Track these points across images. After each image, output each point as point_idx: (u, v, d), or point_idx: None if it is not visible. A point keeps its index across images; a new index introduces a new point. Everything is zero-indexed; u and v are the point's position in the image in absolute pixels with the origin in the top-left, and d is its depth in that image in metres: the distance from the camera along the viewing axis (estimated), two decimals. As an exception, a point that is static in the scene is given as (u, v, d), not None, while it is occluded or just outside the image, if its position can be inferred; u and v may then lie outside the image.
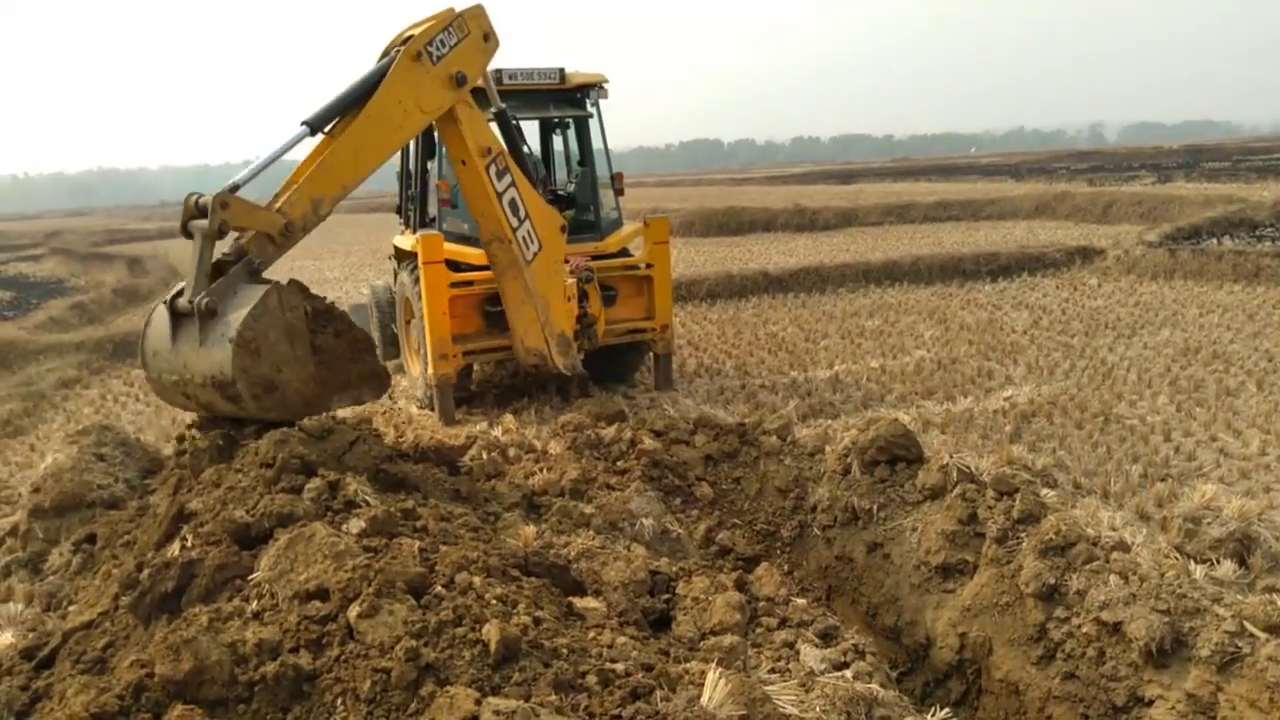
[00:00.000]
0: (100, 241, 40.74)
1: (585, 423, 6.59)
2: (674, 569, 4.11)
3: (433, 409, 8.52)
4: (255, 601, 3.12)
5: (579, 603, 3.52)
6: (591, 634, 3.18)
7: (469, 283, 8.24)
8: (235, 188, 5.76)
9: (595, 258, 8.59)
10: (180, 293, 5.29)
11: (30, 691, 3.34)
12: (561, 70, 8.79)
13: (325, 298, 5.86)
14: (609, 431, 6.29)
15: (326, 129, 6.36)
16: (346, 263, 25.05)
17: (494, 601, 3.03)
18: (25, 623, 4.29)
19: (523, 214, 7.50)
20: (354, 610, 2.86)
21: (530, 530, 4.36)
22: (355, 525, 3.61)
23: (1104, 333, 11.03)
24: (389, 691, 2.61)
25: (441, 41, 6.80)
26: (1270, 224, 18.59)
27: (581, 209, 9.44)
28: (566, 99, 9.14)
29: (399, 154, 9.66)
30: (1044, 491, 4.57)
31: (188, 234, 5.60)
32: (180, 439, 5.78)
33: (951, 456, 4.87)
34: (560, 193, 9.70)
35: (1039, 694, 3.77)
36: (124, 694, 2.64)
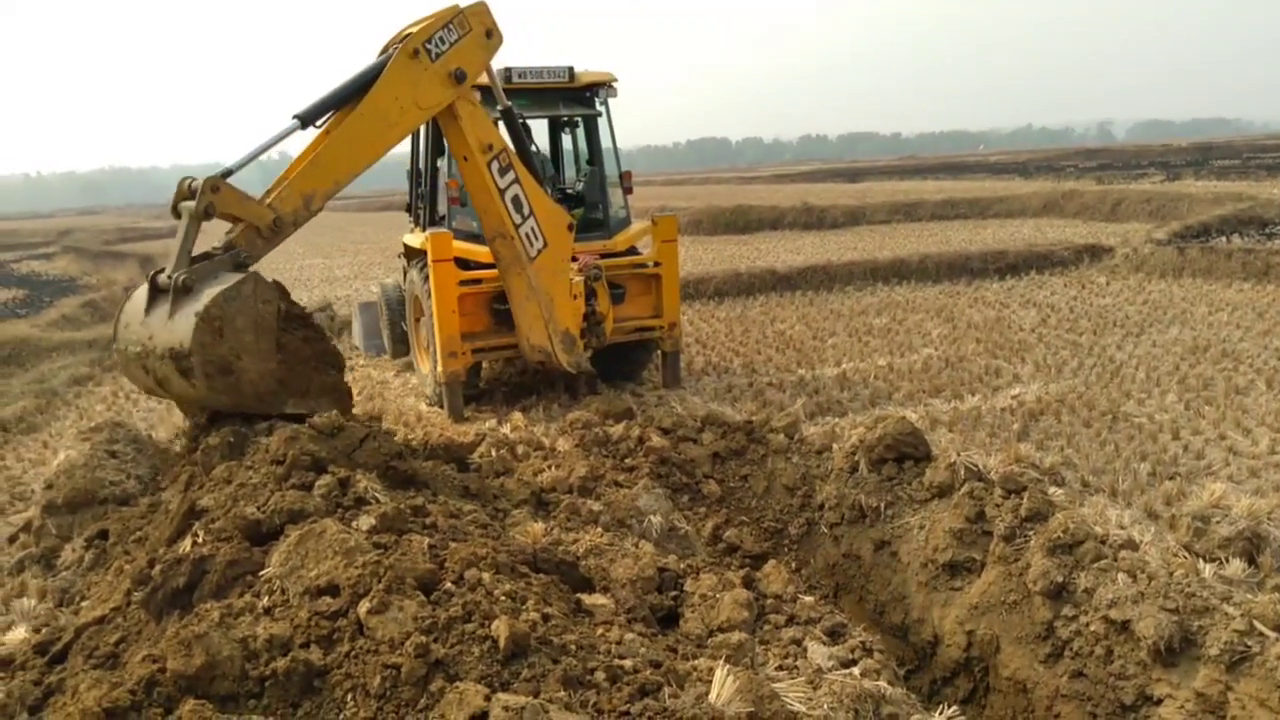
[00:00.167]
0: (112, 240, 40.94)
1: (593, 420, 6.60)
2: (682, 566, 4.12)
3: (442, 406, 8.55)
4: (266, 597, 3.14)
5: (587, 599, 3.53)
6: (600, 630, 3.19)
7: (478, 280, 8.27)
8: (228, 173, 5.83)
9: (604, 256, 8.60)
10: (163, 270, 5.40)
11: (43, 686, 3.38)
12: (571, 69, 8.80)
13: (306, 308, 5.99)
14: (617, 429, 6.30)
15: (318, 123, 6.38)
16: (356, 261, 25.12)
17: (503, 598, 3.04)
18: (38, 618, 4.33)
19: (527, 211, 7.51)
20: (364, 606, 2.87)
21: (539, 527, 4.38)
22: (365, 522, 3.63)
23: (1112, 331, 11.00)
24: (399, 687, 2.63)
25: (441, 38, 6.81)
26: (1280, 222, 18.51)
27: (590, 207, 9.46)
28: (576, 98, 9.16)
29: (409, 152, 9.70)
30: (1052, 490, 4.56)
31: (177, 214, 5.69)
32: (191, 436, 5.84)
33: (959, 454, 4.86)
34: (569, 191, 9.72)
35: (1047, 692, 3.77)
36: (136, 689, 2.66)
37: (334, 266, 23.82)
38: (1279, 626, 3.21)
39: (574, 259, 8.12)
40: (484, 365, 9.42)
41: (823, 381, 9.29)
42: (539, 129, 9.96)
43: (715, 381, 9.61)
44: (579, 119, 9.61)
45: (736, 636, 3.46)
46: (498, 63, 8.13)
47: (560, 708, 2.48)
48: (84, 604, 4.39)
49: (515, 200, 7.45)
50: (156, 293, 5.41)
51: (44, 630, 4.01)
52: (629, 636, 3.14)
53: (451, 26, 6.87)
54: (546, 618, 3.01)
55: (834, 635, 3.70)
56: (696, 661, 3.03)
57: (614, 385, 9.39)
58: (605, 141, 9.37)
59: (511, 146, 7.64)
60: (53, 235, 46.98)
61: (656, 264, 8.92)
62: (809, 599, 4.13)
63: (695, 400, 8.61)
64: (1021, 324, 11.67)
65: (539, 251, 7.61)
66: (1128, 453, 6.73)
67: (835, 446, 5.65)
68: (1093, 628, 3.64)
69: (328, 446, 4.47)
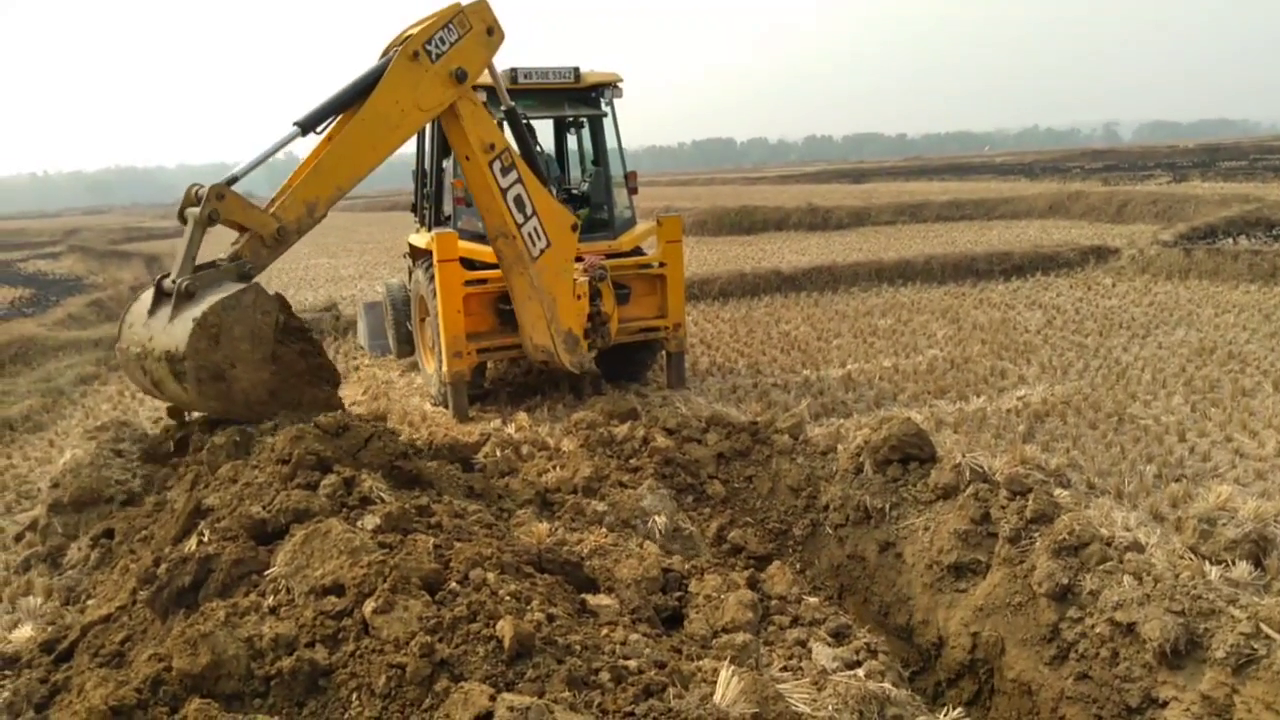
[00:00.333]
0: (118, 239, 41.05)
1: (598, 420, 6.61)
2: (686, 567, 4.12)
3: (447, 406, 8.56)
4: (271, 596, 3.15)
5: (592, 600, 3.53)
6: (604, 631, 3.20)
7: (483, 281, 8.27)
8: (233, 180, 5.90)
9: (609, 256, 8.60)
10: (169, 274, 5.54)
11: (49, 684, 3.39)
12: (576, 69, 8.81)
13: (307, 325, 6.10)
14: (622, 429, 6.30)
15: (319, 129, 6.40)
16: (361, 260, 25.15)
17: (508, 598, 3.05)
18: (44, 616, 4.35)
19: (529, 210, 7.51)
20: (369, 606, 2.88)
21: (543, 527, 4.39)
22: (370, 521, 3.63)
23: (1118, 332, 10.97)
24: (404, 687, 2.63)
25: (441, 39, 6.80)
26: (1287, 223, 18.45)
27: (595, 208, 9.46)
28: (581, 98, 9.16)
29: (415, 152, 9.72)
30: (1057, 491, 4.56)
31: (183, 220, 5.78)
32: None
33: (964, 456, 4.86)
34: (574, 191, 9.72)
35: (1052, 694, 3.76)
36: (142, 687, 2.67)
37: (339, 266, 23.85)
38: (1285, 629, 3.20)
39: (579, 259, 8.12)
40: (489, 365, 9.42)
41: (827, 382, 9.29)
42: (544, 129, 9.96)
43: (720, 382, 9.61)
44: (584, 119, 9.61)
45: (741, 637, 3.46)
46: (503, 64, 8.13)
47: (565, 708, 2.48)
48: (90, 602, 4.41)
49: (517, 200, 7.45)
50: (161, 296, 5.51)
51: (50, 628, 4.03)
52: (633, 637, 3.14)
53: (452, 26, 6.86)
54: (551, 618, 3.01)
55: (838, 636, 3.70)
56: (701, 662, 3.03)
57: (619, 386, 9.38)
58: (610, 142, 9.37)
59: (515, 146, 7.64)
60: (59, 234, 47.11)
61: (661, 264, 8.92)
62: (813, 600, 4.13)
63: (700, 401, 8.60)
64: (1027, 325, 11.65)
65: (542, 251, 7.61)
66: (1133, 455, 6.71)
67: (840, 447, 5.65)
68: (1098, 630, 3.64)
69: (333, 446, 4.49)
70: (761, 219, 27.50)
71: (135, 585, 3.67)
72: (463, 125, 7.17)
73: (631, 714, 2.58)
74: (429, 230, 9.19)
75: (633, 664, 2.87)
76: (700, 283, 15.18)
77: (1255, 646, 3.20)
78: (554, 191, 8.21)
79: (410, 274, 9.87)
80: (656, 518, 4.81)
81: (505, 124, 7.91)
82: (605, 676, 2.74)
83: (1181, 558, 3.82)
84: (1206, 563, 3.72)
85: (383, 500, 3.92)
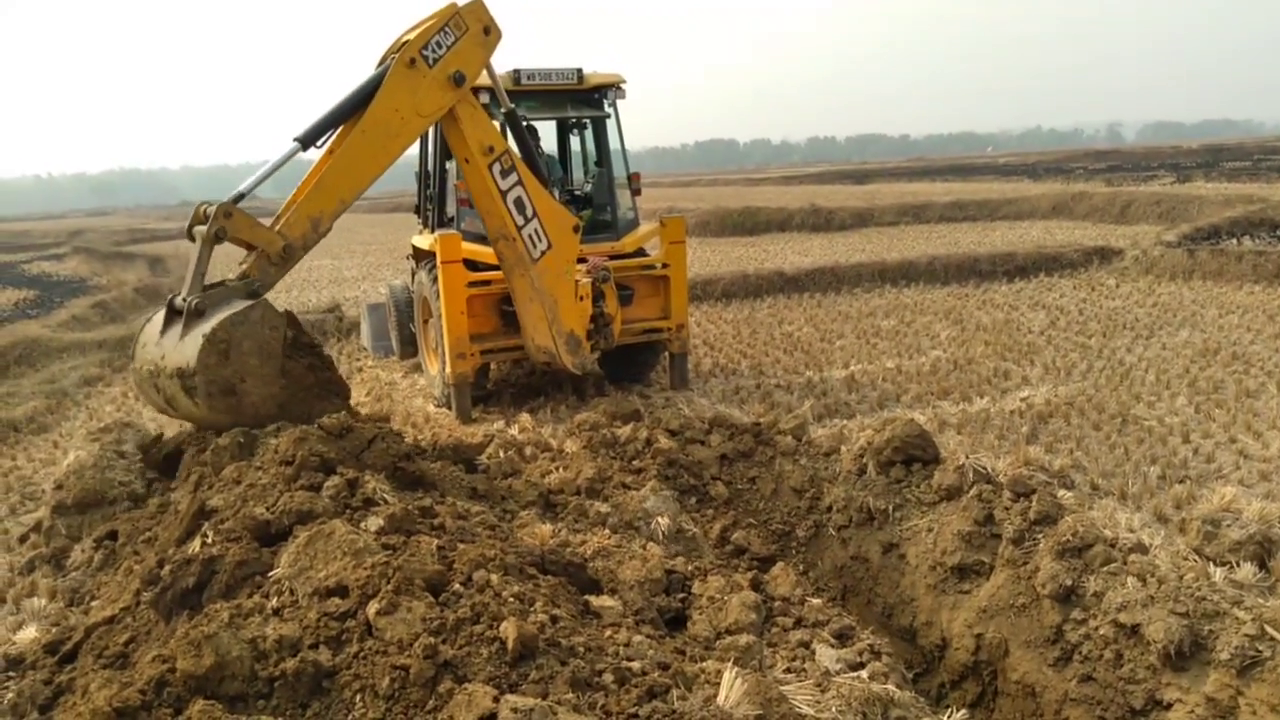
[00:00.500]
0: (122, 241, 41.12)
1: (601, 422, 6.60)
2: (689, 568, 4.12)
3: (450, 408, 8.57)
4: (275, 598, 3.15)
5: (595, 601, 3.53)
6: (608, 632, 3.20)
7: (486, 282, 8.28)
8: (240, 197, 5.96)
9: (612, 257, 8.61)
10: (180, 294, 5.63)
11: (53, 685, 3.40)
12: (579, 70, 8.81)
13: (316, 341, 6.21)
14: (625, 431, 6.30)
15: (319, 143, 6.43)
16: (364, 262, 25.19)
17: (511, 599, 3.05)
18: (49, 617, 4.35)
19: (530, 212, 7.51)
20: (373, 607, 2.88)
21: (547, 529, 4.39)
22: (374, 523, 3.64)
23: (1122, 333, 10.96)
24: (407, 688, 2.63)
25: (438, 43, 6.80)
26: (1292, 224, 18.41)
27: (598, 209, 9.47)
28: (584, 99, 9.17)
29: (418, 154, 9.73)
30: (1061, 493, 4.55)
31: (191, 238, 5.86)
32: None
33: (968, 457, 4.85)
34: (577, 193, 9.73)
35: (1055, 696, 3.75)
36: (146, 689, 2.67)
37: (342, 268, 23.89)
38: (1290, 631, 3.19)
39: (582, 260, 8.13)
40: (492, 367, 9.43)
41: (831, 383, 9.28)
42: (547, 131, 9.97)
43: (723, 383, 9.61)
44: (587, 120, 9.62)
45: (744, 639, 3.46)
46: (505, 66, 8.14)
47: (568, 709, 2.49)
48: (94, 604, 4.41)
49: (518, 202, 7.45)
50: (172, 315, 5.58)
51: (54, 630, 4.04)
52: (637, 638, 3.14)
53: (448, 29, 6.85)
54: (554, 619, 3.01)
55: (842, 638, 3.70)
56: (704, 664, 3.03)
57: (621, 387, 9.39)
58: (614, 143, 9.38)
59: (515, 148, 7.64)
60: (63, 236, 47.17)
61: (664, 265, 8.92)
62: (817, 601, 4.12)
63: (703, 402, 8.60)
64: (1030, 326, 11.64)
65: (542, 253, 7.61)
66: (1137, 456, 6.71)
67: (843, 449, 5.64)
68: (1102, 631, 3.63)
69: (336, 447, 4.49)
70: (764, 220, 27.50)
71: (139, 586, 3.67)
72: (462, 128, 7.17)
73: (635, 715, 2.58)
74: (432, 232, 9.20)
75: (636, 665, 2.87)
76: (703, 284, 15.18)
77: (1260, 648, 3.19)
78: (556, 193, 8.21)
79: (413, 275, 9.89)
80: (659, 519, 4.81)
81: (506, 126, 7.92)
82: (609, 678, 2.74)
83: (1185, 559, 3.81)
84: (1211, 564, 3.71)
85: (386, 502, 3.92)
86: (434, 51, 6.77)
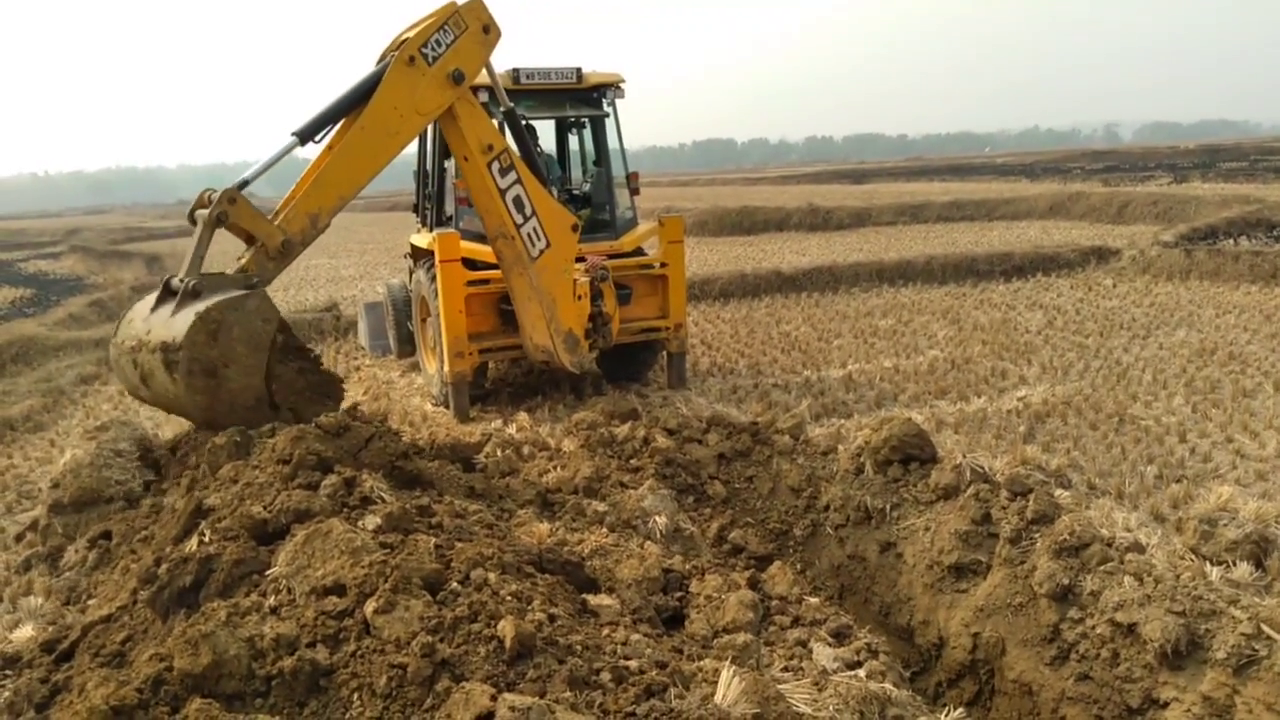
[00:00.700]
0: (119, 239, 41.07)
1: (599, 421, 6.61)
2: (687, 567, 4.12)
3: (448, 406, 8.56)
4: (272, 596, 3.15)
5: (593, 600, 3.53)
6: (605, 631, 3.20)
7: (485, 281, 8.27)
8: (244, 184, 5.96)
9: (610, 257, 8.61)
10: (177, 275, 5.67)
11: (50, 684, 3.39)
12: (578, 70, 8.81)
13: (304, 343, 6.32)
14: (622, 430, 6.30)
15: (317, 138, 6.43)
16: (362, 261, 25.16)
17: (509, 598, 3.05)
18: (45, 616, 4.35)
19: (529, 211, 7.51)
20: (370, 606, 2.88)
21: (544, 527, 4.39)
22: (371, 521, 3.63)
23: (1119, 333, 10.97)
24: (405, 687, 2.63)
25: (437, 41, 6.79)
26: (1288, 224, 18.43)
27: (597, 208, 9.46)
28: (583, 98, 9.16)
29: (416, 153, 9.72)
30: (1058, 492, 4.56)
31: (193, 221, 5.86)
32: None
33: (965, 456, 4.86)
34: (576, 192, 9.72)
35: (1052, 695, 3.76)
36: (143, 687, 2.67)
37: (340, 266, 23.86)
38: (1286, 630, 3.20)
39: (580, 260, 8.13)
40: (490, 365, 9.42)
41: (828, 383, 9.29)
42: (546, 130, 9.97)
43: (721, 383, 9.61)
44: (586, 120, 9.61)
45: (742, 638, 3.46)
46: (504, 65, 8.13)
47: (566, 708, 2.49)
48: (91, 602, 4.41)
49: (516, 200, 7.45)
50: (167, 295, 5.57)
51: (51, 628, 4.03)
52: (634, 637, 3.14)
53: (447, 27, 6.85)
54: (552, 618, 3.01)
55: (839, 637, 3.70)
56: (702, 662, 3.03)
57: (619, 386, 9.39)
58: (612, 142, 9.37)
59: (514, 147, 7.63)
60: (60, 234, 47.14)
61: (663, 265, 8.92)
62: (814, 600, 4.13)
63: (700, 401, 8.60)
64: (1028, 326, 11.65)
65: (541, 252, 7.61)
66: (1134, 455, 6.72)
67: (841, 448, 5.65)
68: (1099, 630, 3.64)
69: (334, 446, 4.49)
70: (762, 219, 27.51)
71: (136, 585, 3.67)
72: (460, 127, 7.17)
73: (633, 714, 2.58)
74: (431, 230, 9.20)
75: (634, 664, 2.87)
76: (701, 283, 15.18)
77: (1256, 647, 3.20)
78: (555, 192, 8.21)
79: (411, 274, 9.88)
80: (657, 518, 4.81)
81: (505, 125, 7.91)
82: (606, 677, 2.74)
83: (1182, 558, 3.82)
84: (1207, 563, 3.72)
85: (384, 500, 3.92)
86: (433, 49, 6.77)
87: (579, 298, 7.94)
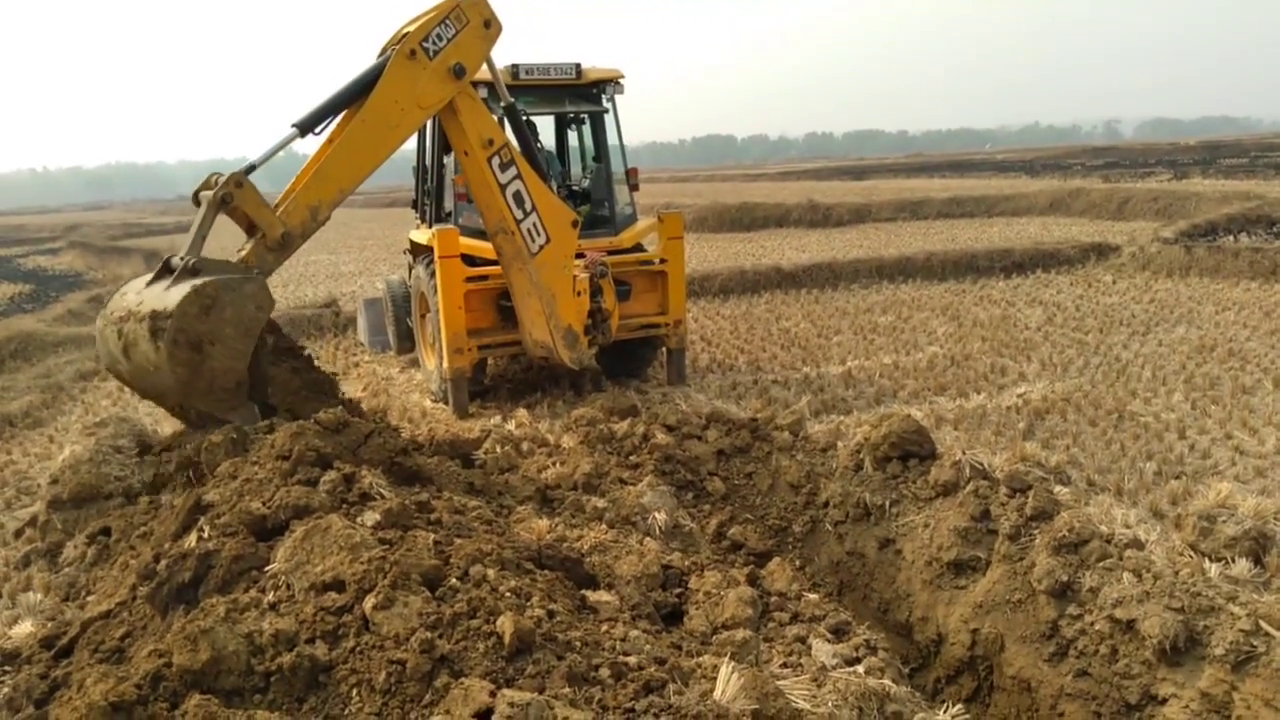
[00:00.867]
0: (118, 235, 41.07)
1: (598, 417, 6.60)
2: (686, 563, 4.12)
3: (447, 403, 8.56)
4: (272, 592, 3.15)
5: (592, 596, 3.54)
6: (604, 627, 3.20)
7: (484, 277, 8.27)
8: (251, 168, 5.97)
9: (610, 253, 8.60)
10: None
11: (49, 680, 3.39)
12: (578, 65, 8.80)
13: (305, 349, 6.37)
14: (622, 426, 6.30)
15: (317, 130, 6.43)
16: (362, 257, 25.15)
17: (508, 594, 3.05)
18: (44, 612, 4.35)
19: (529, 206, 7.50)
20: (369, 602, 2.88)
21: (543, 524, 4.39)
22: (370, 517, 3.63)
23: (1118, 330, 10.97)
24: (404, 683, 2.63)
25: (438, 35, 6.80)
26: (1288, 221, 18.43)
27: (596, 204, 9.46)
28: (582, 94, 9.15)
29: (416, 148, 9.71)
30: (1057, 489, 4.55)
31: (197, 202, 5.87)
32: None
33: (964, 453, 4.86)
34: (575, 188, 9.72)
35: (1051, 691, 3.76)
36: (142, 683, 2.67)
37: (339, 262, 23.85)
38: (1285, 627, 3.20)
39: (580, 256, 8.12)
40: (489, 362, 9.42)
41: (828, 379, 9.29)
42: (546, 125, 9.96)
43: (720, 379, 9.61)
44: (586, 115, 9.60)
45: (741, 634, 3.46)
46: (504, 60, 8.12)
47: (565, 704, 2.49)
48: (90, 598, 4.41)
49: (517, 196, 7.45)
50: (165, 271, 5.59)
51: (50, 624, 4.03)
52: (633, 633, 3.14)
53: (449, 21, 6.85)
54: (551, 614, 3.01)
55: (838, 633, 3.71)
56: (701, 659, 3.03)
57: (619, 382, 9.39)
58: (612, 138, 9.37)
59: (514, 142, 7.63)
60: (59, 230, 47.12)
61: (662, 261, 8.92)
62: (813, 596, 4.13)
63: (700, 397, 8.60)
64: (1027, 322, 11.65)
65: (541, 247, 7.61)
66: (1134, 452, 6.72)
67: (840, 444, 5.64)
68: (1098, 627, 3.64)
69: (333, 442, 4.49)
70: (762, 216, 27.50)
71: (135, 581, 3.67)
72: (461, 121, 7.16)
73: (632, 710, 2.58)
74: (430, 226, 9.19)
75: (633, 660, 2.87)
76: (701, 279, 15.18)
77: (1255, 644, 3.20)
78: (554, 188, 8.20)
79: (411, 270, 9.87)
80: (656, 514, 4.81)
81: (505, 120, 7.91)
82: (605, 673, 2.74)
83: (1181, 555, 3.82)
84: (1206, 560, 3.72)
85: (383, 496, 3.92)
86: (434, 44, 6.77)
87: (578, 294, 7.93)
